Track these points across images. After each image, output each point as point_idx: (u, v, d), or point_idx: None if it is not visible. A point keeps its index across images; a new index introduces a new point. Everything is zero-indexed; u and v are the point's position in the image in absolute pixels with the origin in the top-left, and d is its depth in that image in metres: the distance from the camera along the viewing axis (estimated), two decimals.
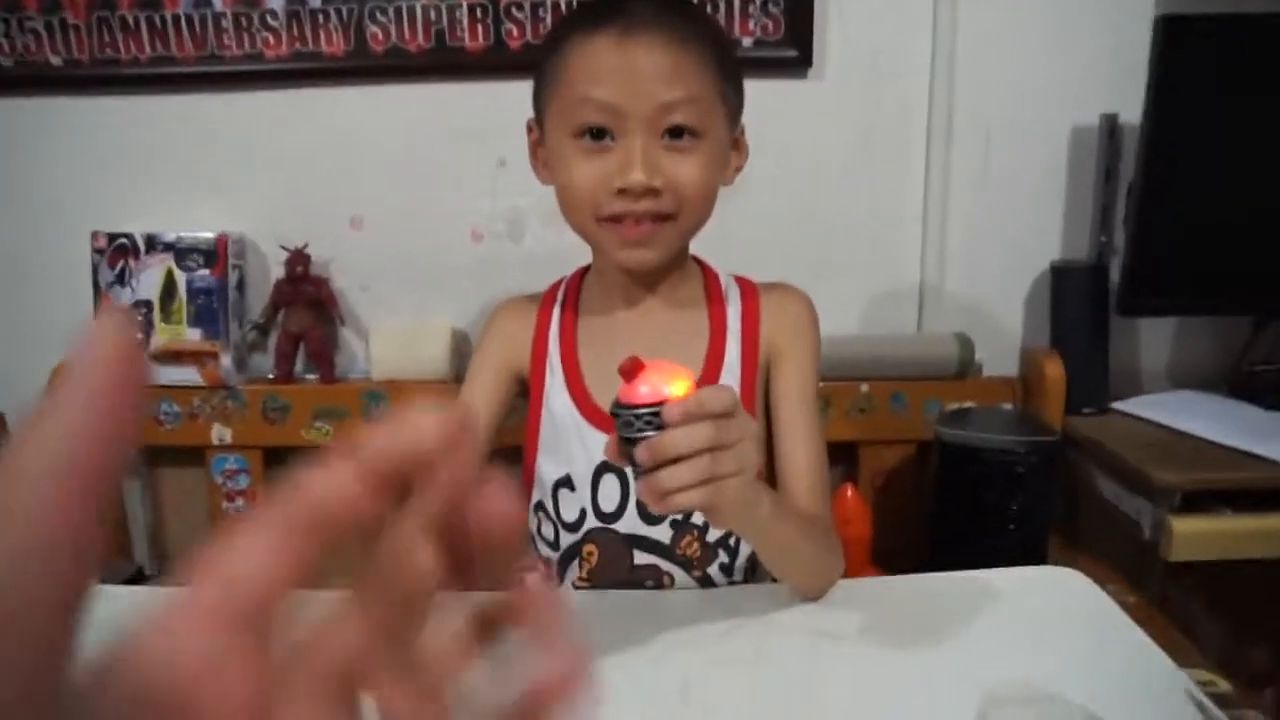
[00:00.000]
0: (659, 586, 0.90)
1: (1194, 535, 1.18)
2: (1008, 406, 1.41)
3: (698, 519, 0.90)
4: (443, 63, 1.39)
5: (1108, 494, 1.29)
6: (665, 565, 0.90)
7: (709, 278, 0.99)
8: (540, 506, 0.94)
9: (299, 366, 1.46)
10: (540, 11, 1.36)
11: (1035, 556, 1.24)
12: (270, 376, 1.46)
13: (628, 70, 0.81)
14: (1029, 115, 1.41)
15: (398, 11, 1.37)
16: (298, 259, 1.42)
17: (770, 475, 0.96)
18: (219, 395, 1.43)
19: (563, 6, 1.36)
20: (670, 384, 0.63)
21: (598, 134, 0.83)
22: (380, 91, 1.41)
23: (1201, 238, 1.31)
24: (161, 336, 1.42)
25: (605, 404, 0.90)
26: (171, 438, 1.44)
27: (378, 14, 1.37)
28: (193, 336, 1.42)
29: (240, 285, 1.45)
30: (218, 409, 1.43)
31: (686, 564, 0.90)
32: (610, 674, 0.70)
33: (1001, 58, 1.40)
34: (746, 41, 1.37)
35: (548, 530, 0.93)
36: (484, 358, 0.98)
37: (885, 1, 1.38)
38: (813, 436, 0.92)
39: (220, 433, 1.44)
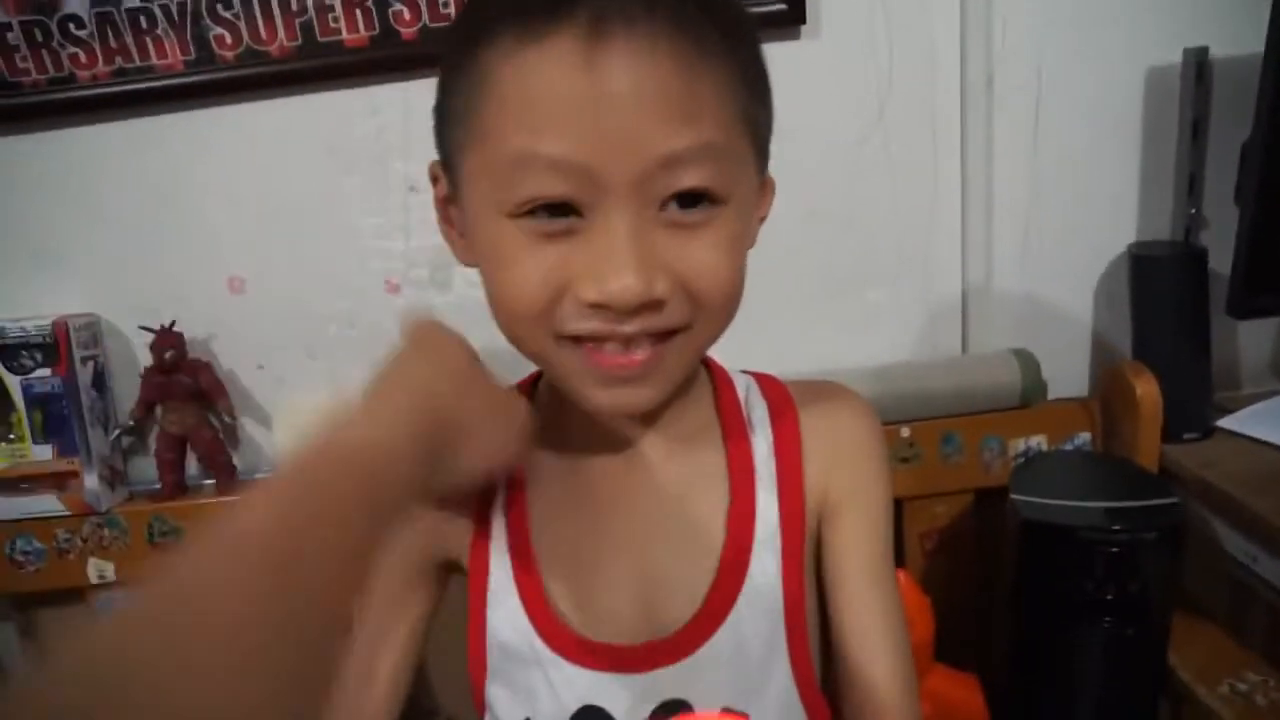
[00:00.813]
0: None
1: None
2: (1083, 438, 1.11)
3: None
4: (316, 66, 1.03)
5: (1236, 551, 1.01)
6: None
7: (720, 386, 0.68)
8: None
9: (191, 473, 1.15)
10: None
11: (1155, 647, 0.97)
12: (156, 488, 1.14)
13: (602, 102, 0.46)
14: (1091, 58, 1.08)
15: (246, 2, 1.01)
16: (165, 340, 1.09)
17: (825, 657, 0.67)
18: (90, 524, 1.11)
19: None
20: None
21: (556, 209, 0.49)
22: (237, 111, 1.06)
23: None
24: (0, 461, 1.10)
25: (576, 619, 0.61)
26: (39, 581, 1.13)
27: (220, 8, 1.01)
28: (42, 455, 1.10)
29: (99, 381, 1.12)
30: (91, 540, 1.12)
31: None
32: None
33: None
34: None
35: None
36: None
37: None
38: (895, 620, 0.63)
39: (99, 568, 1.13)
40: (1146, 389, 1.05)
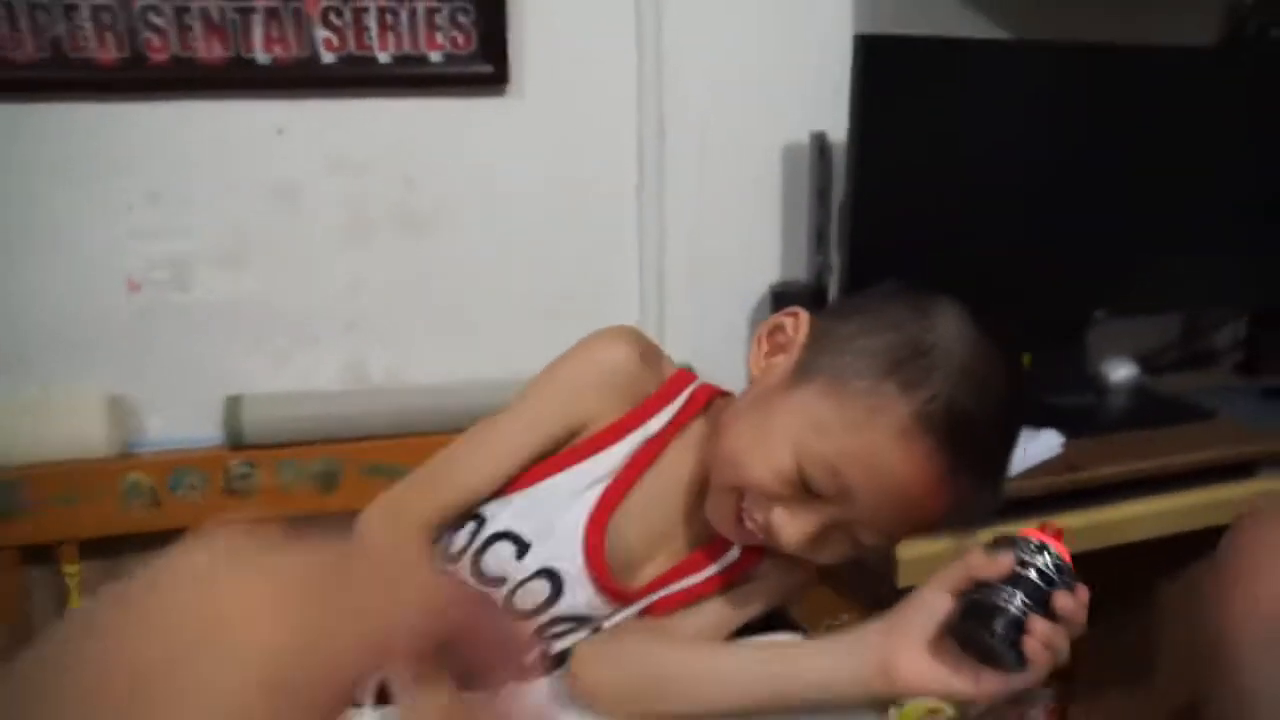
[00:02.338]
0: None
1: (918, 560, 1.17)
2: None
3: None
4: (65, 79, 1.15)
5: None
6: None
7: None
8: (476, 517, 0.77)
9: None
10: (186, 19, 1.16)
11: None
12: None
13: (903, 506, 0.65)
14: (741, 135, 1.37)
15: None
16: None
17: None
18: None
19: (215, 15, 1.16)
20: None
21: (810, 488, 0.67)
22: None
23: (909, 252, 1.31)
24: None
25: (613, 541, 0.76)
26: None
27: None
28: None
29: None
30: None
31: None
32: None
33: (709, 77, 1.34)
34: (435, 56, 1.23)
35: (459, 540, 0.77)
36: (572, 398, 0.78)
37: (585, 17, 1.29)
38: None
39: None
40: None
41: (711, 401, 0.80)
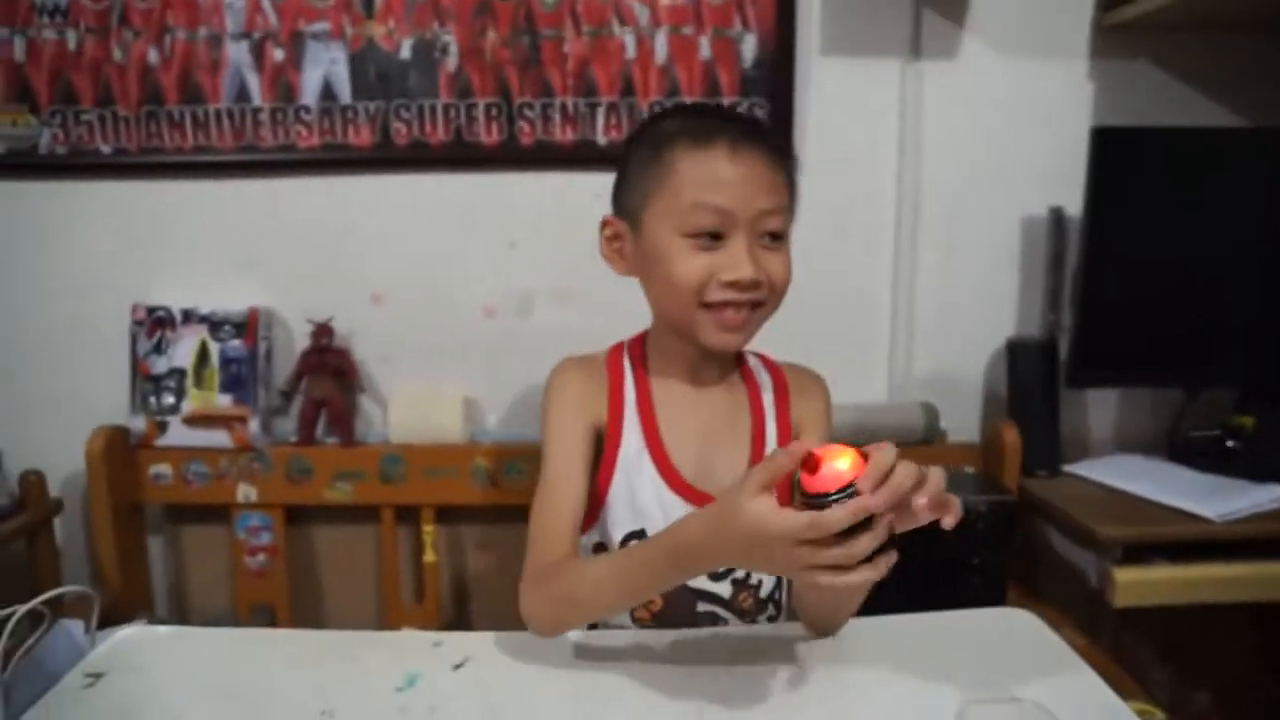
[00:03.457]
0: None
1: (1135, 584, 1.32)
2: (970, 470, 1.55)
3: (754, 578, 1.02)
4: (460, 155, 1.53)
5: (1059, 548, 1.43)
6: (723, 614, 1.01)
7: (737, 358, 1.10)
8: (603, 547, 1.03)
9: (320, 431, 1.58)
10: (549, 111, 1.52)
11: (994, 603, 1.38)
12: (293, 440, 1.57)
13: (740, 181, 0.91)
14: (985, 207, 1.58)
15: (420, 109, 1.52)
16: (323, 331, 1.55)
17: None
18: (246, 457, 1.54)
19: (570, 108, 1.52)
20: (842, 461, 0.69)
21: (711, 235, 0.92)
22: (402, 180, 1.55)
23: (1137, 317, 1.48)
24: (194, 402, 1.53)
25: (683, 468, 1.00)
26: (198, 496, 1.54)
27: (402, 111, 1.52)
28: (223, 402, 1.53)
29: (268, 355, 1.57)
30: (244, 470, 1.54)
31: (741, 614, 1.02)
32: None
33: (959, 155, 1.57)
34: None
35: None
36: (567, 419, 1.03)
37: (856, 105, 1.55)
38: None
39: (246, 492, 1.55)
40: (1012, 438, 1.50)
41: (644, 342, 1.07)
